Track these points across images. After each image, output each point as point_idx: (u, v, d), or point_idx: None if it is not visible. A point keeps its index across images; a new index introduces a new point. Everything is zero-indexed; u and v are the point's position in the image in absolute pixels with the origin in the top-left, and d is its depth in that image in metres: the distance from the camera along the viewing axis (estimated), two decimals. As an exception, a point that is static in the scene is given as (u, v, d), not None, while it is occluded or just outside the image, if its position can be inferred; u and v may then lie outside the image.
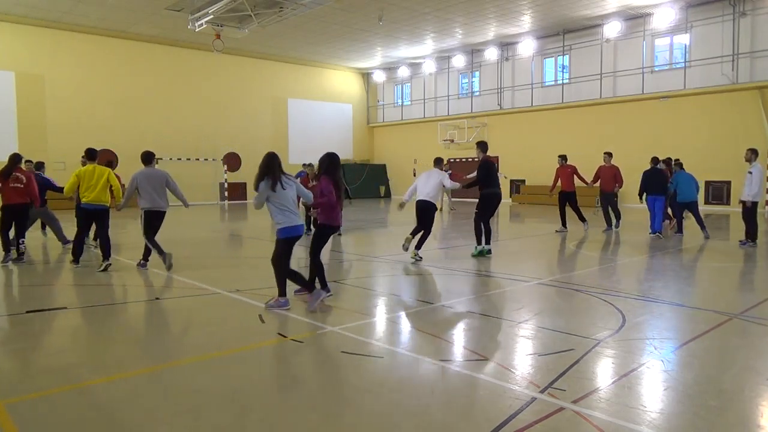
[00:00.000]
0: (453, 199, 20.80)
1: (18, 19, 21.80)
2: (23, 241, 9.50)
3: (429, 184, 9.18)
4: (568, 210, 13.68)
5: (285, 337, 5.09)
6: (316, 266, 6.36)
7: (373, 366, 4.40)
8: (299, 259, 8.85)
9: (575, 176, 13.66)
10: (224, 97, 27.53)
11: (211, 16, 18.85)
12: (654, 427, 3.24)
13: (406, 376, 4.26)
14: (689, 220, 13.70)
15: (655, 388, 3.88)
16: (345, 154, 30.92)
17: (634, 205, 19.45)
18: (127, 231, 14.93)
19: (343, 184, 6.83)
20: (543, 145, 24.78)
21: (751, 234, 10.78)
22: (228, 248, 12.32)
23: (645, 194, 12.44)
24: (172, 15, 20.66)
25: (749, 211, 10.73)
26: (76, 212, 9.78)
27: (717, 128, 20.17)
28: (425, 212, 9.15)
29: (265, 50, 27.57)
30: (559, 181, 13.73)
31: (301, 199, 6.41)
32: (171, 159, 24.82)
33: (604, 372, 4.22)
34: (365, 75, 33.32)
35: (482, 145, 9.87)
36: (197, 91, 26.66)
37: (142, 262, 8.85)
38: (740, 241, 11.05)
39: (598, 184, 13.82)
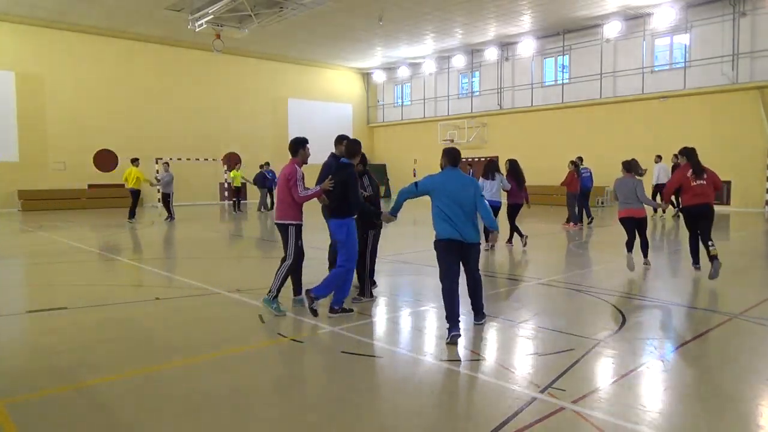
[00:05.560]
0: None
1: (18, 19, 21.77)
2: None
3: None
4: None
5: (285, 337, 5.09)
6: None
7: (373, 366, 4.40)
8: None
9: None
10: (224, 96, 27.50)
11: (211, 16, 18.84)
12: (654, 427, 3.24)
13: (406, 376, 4.26)
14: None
15: (655, 388, 3.88)
16: (345, 154, 30.86)
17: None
18: (126, 231, 14.92)
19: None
20: (543, 145, 24.78)
21: None
22: (228, 248, 12.32)
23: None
24: (172, 15, 20.63)
25: None
26: None
27: (717, 128, 20.14)
28: None
29: (265, 50, 27.55)
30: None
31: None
32: (171, 159, 24.75)
33: (604, 372, 4.22)
34: (365, 75, 33.30)
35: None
36: (197, 91, 26.62)
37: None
38: None
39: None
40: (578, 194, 14.61)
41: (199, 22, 19.50)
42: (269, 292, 5.87)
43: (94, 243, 12.44)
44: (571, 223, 14.37)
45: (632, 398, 3.69)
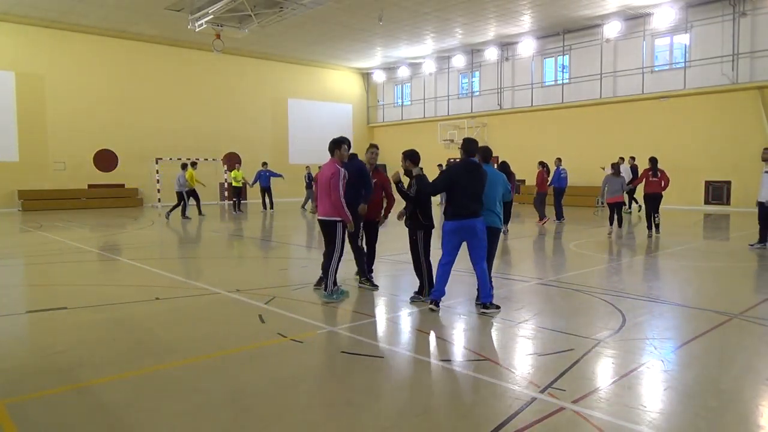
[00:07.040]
0: None
1: (18, 19, 21.76)
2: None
3: None
4: None
5: (285, 337, 5.09)
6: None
7: (373, 366, 4.40)
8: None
9: None
10: (224, 97, 27.50)
11: (211, 16, 18.82)
12: (654, 427, 3.24)
13: (406, 376, 4.26)
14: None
15: (655, 388, 3.88)
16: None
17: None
18: (127, 231, 14.93)
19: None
20: (543, 145, 24.76)
21: (762, 236, 10.37)
22: (228, 248, 12.32)
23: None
24: (172, 15, 20.62)
25: (763, 213, 10.29)
26: None
27: (717, 128, 20.14)
28: None
29: (265, 50, 27.54)
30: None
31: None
32: (171, 159, 24.80)
33: (604, 372, 4.22)
34: (365, 75, 33.30)
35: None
36: (197, 91, 26.62)
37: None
38: (750, 243, 10.70)
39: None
40: (554, 193, 16.18)
41: (199, 22, 19.49)
42: (325, 289, 6.46)
43: (94, 243, 12.44)
44: (539, 220, 15.68)
45: (632, 398, 3.69)
